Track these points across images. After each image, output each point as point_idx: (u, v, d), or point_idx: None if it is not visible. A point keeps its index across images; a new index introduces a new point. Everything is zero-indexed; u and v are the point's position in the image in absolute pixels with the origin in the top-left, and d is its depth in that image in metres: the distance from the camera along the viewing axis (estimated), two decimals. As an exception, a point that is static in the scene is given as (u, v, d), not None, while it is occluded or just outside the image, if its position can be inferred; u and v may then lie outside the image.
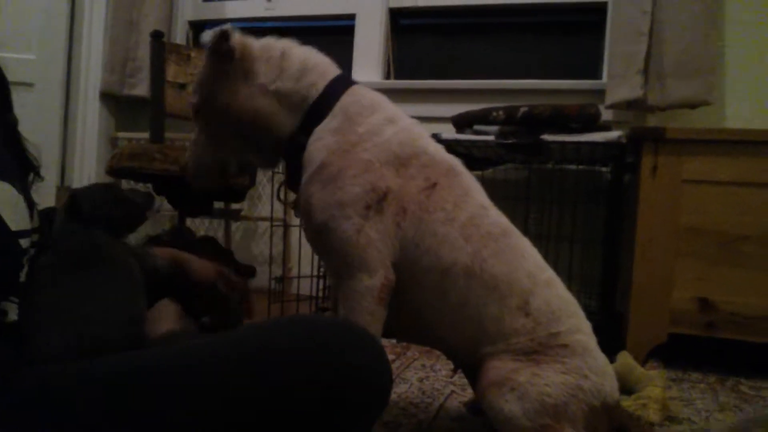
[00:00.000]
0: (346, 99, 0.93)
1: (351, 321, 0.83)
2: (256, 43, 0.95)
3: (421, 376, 1.41)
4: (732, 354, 1.69)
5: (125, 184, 2.62)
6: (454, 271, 0.88)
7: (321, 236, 0.89)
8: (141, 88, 2.52)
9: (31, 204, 0.73)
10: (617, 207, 1.79)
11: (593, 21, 2.25)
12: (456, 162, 0.96)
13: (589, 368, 0.86)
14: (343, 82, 0.95)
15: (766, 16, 1.96)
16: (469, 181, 0.95)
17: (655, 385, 1.27)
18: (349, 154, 0.88)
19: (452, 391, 1.31)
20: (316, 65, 0.96)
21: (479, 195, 0.94)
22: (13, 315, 0.65)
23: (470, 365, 0.93)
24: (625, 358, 1.41)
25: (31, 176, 0.78)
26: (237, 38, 0.92)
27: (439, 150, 0.95)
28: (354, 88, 0.96)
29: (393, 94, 2.30)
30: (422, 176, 0.90)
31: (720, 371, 1.61)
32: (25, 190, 0.71)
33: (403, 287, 0.89)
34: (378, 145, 0.89)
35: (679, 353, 1.67)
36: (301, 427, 0.62)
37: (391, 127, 0.92)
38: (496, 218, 0.93)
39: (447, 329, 0.91)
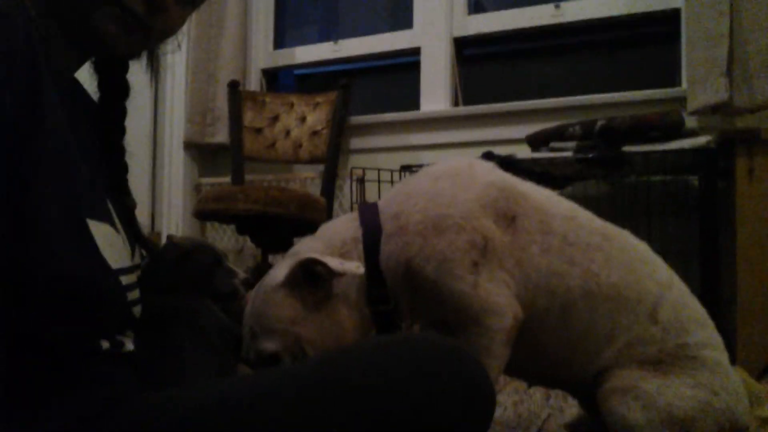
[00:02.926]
0: (386, 210, 0.89)
1: (456, 342, 0.77)
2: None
3: (516, 400, 1.36)
4: None
5: (209, 227, 2.74)
6: (571, 299, 0.84)
7: (435, 303, 0.85)
8: (221, 136, 2.65)
9: (132, 242, 0.77)
10: (711, 216, 1.68)
11: (665, 30, 2.18)
12: (516, 180, 0.92)
13: (720, 386, 0.81)
14: (367, 209, 0.91)
15: None
16: (539, 196, 0.91)
17: (777, 402, 1.17)
18: (430, 232, 0.84)
19: (549, 414, 1.25)
20: (345, 238, 0.89)
21: (557, 206, 0.90)
22: (129, 345, 0.68)
23: (584, 382, 0.88)
24: (739, 374, 1.30)
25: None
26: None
27: (493, 171, 0.92)
28: (380, 201, 0.92)
29: (462, 120, 2.35)
30: (500, 213, 0.86)
31: None
32: (126, 229, 0.75)
33: (522, 332, 0.85)
34: (450, 204, 0.85)
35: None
36: None
37: (446, 181, 0.88)
38: (588, 224, 0.90)
39: (569, 357, 0.87)
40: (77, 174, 0.61)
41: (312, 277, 0.83)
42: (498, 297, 0.82)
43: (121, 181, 0.80)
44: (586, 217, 0.91)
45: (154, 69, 0.82)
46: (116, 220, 0.70)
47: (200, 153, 2.79)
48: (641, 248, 0.91)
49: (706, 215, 1.69)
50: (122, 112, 0.81)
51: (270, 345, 0.81)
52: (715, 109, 1.86)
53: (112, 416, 0.60)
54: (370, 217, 0.89)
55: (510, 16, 2.40)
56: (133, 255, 0.75)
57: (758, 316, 1.48)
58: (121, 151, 0.81)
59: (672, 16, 2.13)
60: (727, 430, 0.80)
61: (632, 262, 0.87)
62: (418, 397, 0.59)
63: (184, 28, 0.78)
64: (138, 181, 2.55)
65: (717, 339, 0.87)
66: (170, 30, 0.74)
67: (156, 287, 0.85)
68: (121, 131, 0.81)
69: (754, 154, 1.48)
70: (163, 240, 2.60)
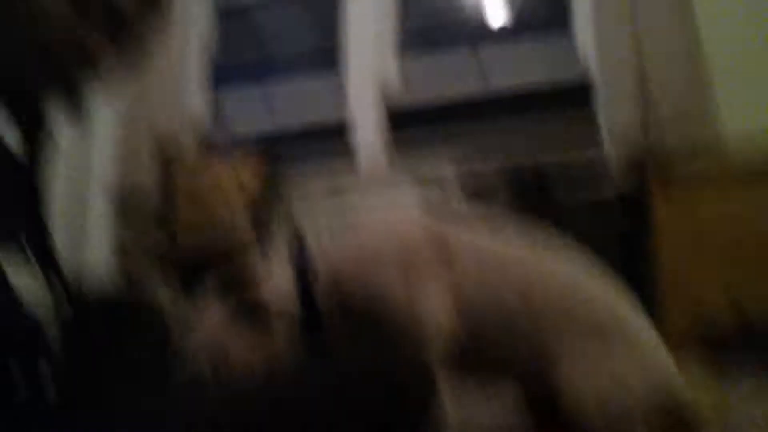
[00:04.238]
0: (321, 252, 0.94)
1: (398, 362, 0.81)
2: None
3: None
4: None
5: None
6: (512, 315, 0.89)
7: (372, 329, 0.89)
8: (150, 193, 2.56)
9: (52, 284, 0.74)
10: (632, 235, 1.78)
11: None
12: (450, 225, 0.98)
13: (659, 364, 0.86)
14: (301, 252, 0.95)
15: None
16: (469, 230, 0.98)
17: (699, 383, 1.21)
18: (363, 262, 0.90)
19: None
20: (280, 279, 0.95)
21: (488, 235, 0.97)
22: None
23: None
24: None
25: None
26: None
27: (427, 217, 1.00)
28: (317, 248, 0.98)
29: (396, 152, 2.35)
30: (434, 254, 0.91)
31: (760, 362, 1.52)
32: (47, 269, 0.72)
33: (467, 351, 0.88)
34: (384, 242, 0.92)
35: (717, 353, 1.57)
36: None
37: (379, 226, 0.98)
38: (518, 245, 0.96)
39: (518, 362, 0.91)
40: None
41: (248, 308, 0.87)
42: (433, 315, 0.86)
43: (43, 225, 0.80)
44: (515, 237, 0.98)
45: (77, 107, 0.82)
46: (33, 261, 0.68)
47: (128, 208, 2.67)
48: (572, 259, 0.96)
49: (626, 233, 1.79)
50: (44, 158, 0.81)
51: (196, 363, 0.84)
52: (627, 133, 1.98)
53: None
54: (303, 258, 0.94)
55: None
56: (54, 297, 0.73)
57: (678, 315, 1.56)
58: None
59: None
60: (666, 406, 0.84)
61: (563, 274, 0.93)
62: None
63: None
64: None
65: (648, 323, 0.92)
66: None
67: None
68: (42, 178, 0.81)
69: (668, 179, 1.60)
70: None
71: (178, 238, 2.32)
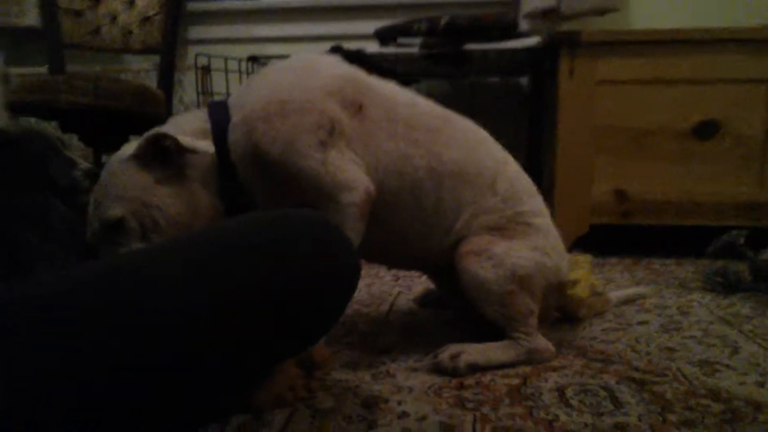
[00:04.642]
0: (233, 103, 0.89)
1: (327, 218, 0.78)
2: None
3: (368, 283, 1.46)
4: (644, 238, 1.86)
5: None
6: (418, 178, 0.90)
7: (289, 186, 0.86)
8: (30, 17, 2.28)
9: None
10: (537, 113, 1.87)
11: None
12: (362, 73, 0.95)
13: (551, 247, 0.94)
14: (216, 104, 0.90)
15: None
16: (384, 86, 0.96)
17: (582, 268, 1.39)
18: (274, 116, 0.85)
19: (400, 292, 1.37)
20: (194, 128, 0.88)
21: (401, 95, 0.96)
22: None
23: (441, 256, 0.96)
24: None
25: None
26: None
27: (340, 64, 0.94)
28: (229, 98, 0.91)
29: (311, 13, 2.26)
30: (346, 101, 0.89)
31: (634, 254, 1.78)
32: None
33: (377, 214, 0.89)
34: (293, 91, 0.86)
35: (599, 241, 1.82)
36: (273, 315, 0.62)
37: (290, 73, 0.90)
38: (429, 109, 0.96)
39: (425, 233, 0.93)
40: None
41: (163, 155, 0.82)
42: (347, 173, 0.85)
43: None
44: (426, 104, 0.98)
45: None
46: None
47: (6, 38, 2.39)
48: (479, 131, 0.99)
49: (533, 111, 1.88)
50: None
51: (115, 211, 0.80)
52: (544, 13, 2.01)
53: None
54: (218, 110, 0.89)
55: None
56: None
57: (571, 200, 1.71)
58: None
59: None
60: (554, 284, 0.95)
61: (471, 142, 0.96)
62: (293, 260, 0.63)
63: None
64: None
65: (545, 207, 1.00)
66: None
67: None
68: None
69: (575, 56, 1.64)
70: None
71: (66, 68, 2.11)
